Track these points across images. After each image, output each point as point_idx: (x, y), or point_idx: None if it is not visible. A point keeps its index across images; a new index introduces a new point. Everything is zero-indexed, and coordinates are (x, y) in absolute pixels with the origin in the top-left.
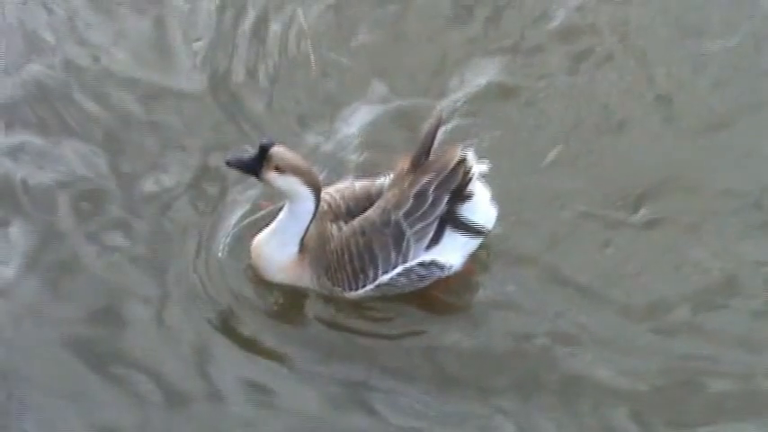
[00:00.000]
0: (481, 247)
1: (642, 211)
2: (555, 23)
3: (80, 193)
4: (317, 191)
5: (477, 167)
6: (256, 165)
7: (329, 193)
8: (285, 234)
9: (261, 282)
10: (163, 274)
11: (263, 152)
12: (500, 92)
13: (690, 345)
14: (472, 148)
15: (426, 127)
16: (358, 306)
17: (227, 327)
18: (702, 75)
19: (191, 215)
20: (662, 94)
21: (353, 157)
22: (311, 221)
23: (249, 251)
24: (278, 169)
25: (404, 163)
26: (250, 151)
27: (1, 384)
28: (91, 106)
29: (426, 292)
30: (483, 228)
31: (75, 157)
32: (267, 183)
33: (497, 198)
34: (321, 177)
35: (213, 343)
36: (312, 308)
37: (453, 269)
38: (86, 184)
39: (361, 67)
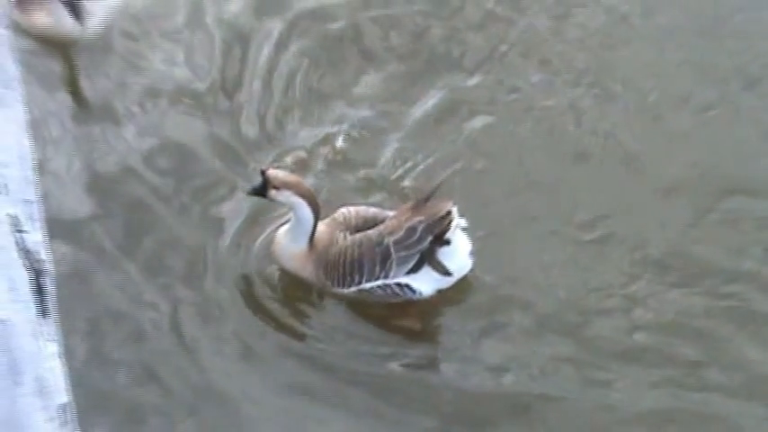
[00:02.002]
0: (456, 286)
1: (603, 235)
2: (523, 46)
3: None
4: (309, 199)
5: (458, 221)
6: (262, 188)
7: (349, 209)
8: (294, 233)
9: (268, 282)
10: (173, 282)
11: (263, 176)
12: (466, 112)
13: (656, 367)
14: (456, 205)
15: (434, 182)
16: (357, 332)
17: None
18: (677, 99)
19: (199, 223)
20: (639, 115)
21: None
22: (315, 224)
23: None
24: (275, 187)
25: (408, 204)
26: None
27: None
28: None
29: (401, 307)
30: (450, 271)
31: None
32: (273, 200)
33: (471, 228)
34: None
35: (222, 355)
36: (312, 328)
37: (423, 295)
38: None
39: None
